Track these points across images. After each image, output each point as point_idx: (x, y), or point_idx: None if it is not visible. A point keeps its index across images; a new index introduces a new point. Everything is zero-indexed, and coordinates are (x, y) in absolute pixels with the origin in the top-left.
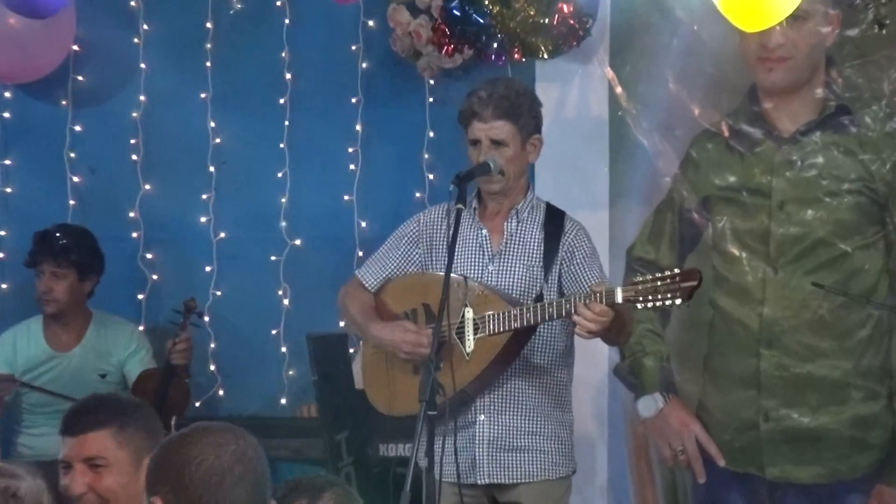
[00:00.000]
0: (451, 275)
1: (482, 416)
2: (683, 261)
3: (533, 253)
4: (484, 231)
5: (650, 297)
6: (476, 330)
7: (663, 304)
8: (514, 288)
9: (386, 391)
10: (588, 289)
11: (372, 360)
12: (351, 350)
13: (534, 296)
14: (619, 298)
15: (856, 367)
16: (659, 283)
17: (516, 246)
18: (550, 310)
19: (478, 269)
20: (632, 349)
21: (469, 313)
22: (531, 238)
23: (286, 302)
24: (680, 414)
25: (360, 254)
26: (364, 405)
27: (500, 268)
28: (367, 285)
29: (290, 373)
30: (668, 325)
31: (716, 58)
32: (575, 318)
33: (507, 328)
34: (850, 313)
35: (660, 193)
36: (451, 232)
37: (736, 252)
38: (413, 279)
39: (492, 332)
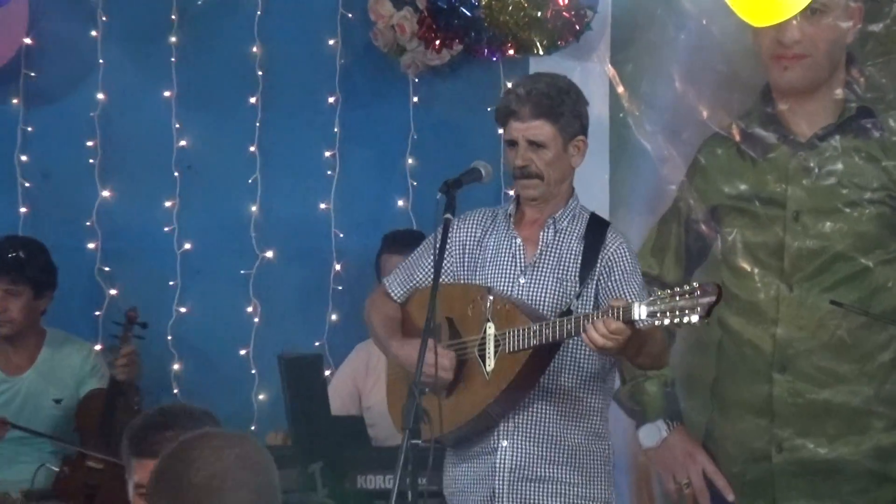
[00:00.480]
0: (476, 285)
1: (505, 442)
2: (690, 276)
3: (569, 267)
4: (518, 240)
5: (668, 314)
6: (497, 347)
7: (681, 321)
8: (545, 304)
9: None
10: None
11: (395, 378)
12: (327, 372)
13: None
14: (637, 315)
15: (877, 393)
16: (678, 298)
17: (551, 258)
18: (569, 326)
19: (509, 282)
20: (632, 373)
21: (491, 329)
22: (568, 250)
23: (256, 319)
24: (685, 444)
25: (338, 267)
26: (340, 432)
27: (532, 281)
28: (393, 296)
29: (261, 397)
30: (672, 346)
31: (726, 55)
32: (583, 333)
33: (525, 346)
34: (872, 334)
35: (664, 202)
36: (437, 245)
37: (747, 267)
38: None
39: (511, 349)
